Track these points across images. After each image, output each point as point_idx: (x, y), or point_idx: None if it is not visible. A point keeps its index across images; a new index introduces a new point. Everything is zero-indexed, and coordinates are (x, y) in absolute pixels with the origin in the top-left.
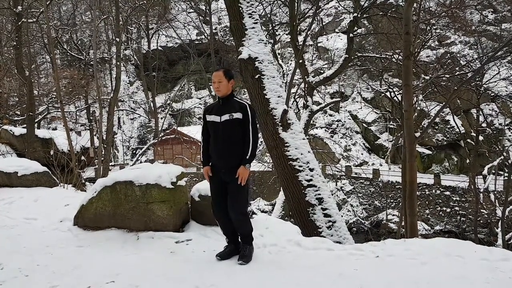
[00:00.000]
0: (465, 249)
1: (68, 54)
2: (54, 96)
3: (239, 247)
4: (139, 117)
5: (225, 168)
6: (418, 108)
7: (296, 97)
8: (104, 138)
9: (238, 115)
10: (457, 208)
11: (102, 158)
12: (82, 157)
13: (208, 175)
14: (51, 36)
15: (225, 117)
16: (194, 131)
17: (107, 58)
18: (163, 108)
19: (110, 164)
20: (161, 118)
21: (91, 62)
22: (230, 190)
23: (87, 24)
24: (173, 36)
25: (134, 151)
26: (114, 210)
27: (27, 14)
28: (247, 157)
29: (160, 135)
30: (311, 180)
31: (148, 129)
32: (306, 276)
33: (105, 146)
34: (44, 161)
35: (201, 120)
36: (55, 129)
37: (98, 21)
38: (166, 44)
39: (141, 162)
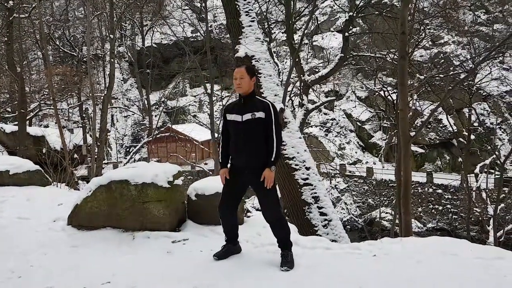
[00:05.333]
0: (460, 247)
1: (61, 50)
2: (46, 93)
3: (238, 247)
4: (132, 114)
5: (248, 169)
6: (413, 107)
7: (292, 95)
8: (98, 136)
9: (260, 115)
10: (449, 206)
11: (96, 156)
12: (75, 155)
13: (224, 177)
14: (44, 32)
15: (247, 116)
16: (189, 129)
17: (100, 55)
18: (157, 106)
19: (104, 162)
20: (155, 116)
21: (84, 59)
22: (259, 196)
23: (80, 20)
24: (168, 33)
25: (128, 149)
26: (109, 209)
27: (18, 9)
28: (272, 159)
29: (155, 133)
30: (307, 178)
31: (142, 127)
32: (304, 275)
33: (99, 144)
34: (37, 159)
35: (195, 118)
36: (46, 126)
37: (92, 17)
38: (161, 41)
39: (134, 160)
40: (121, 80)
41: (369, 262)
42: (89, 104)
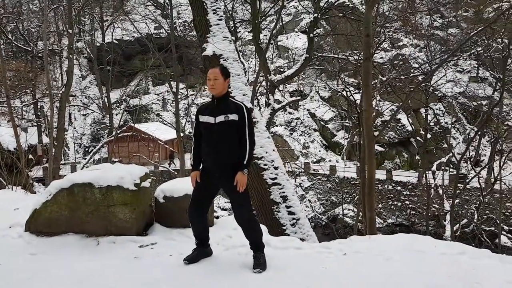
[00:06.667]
0: (425, 244)
1: (14, 45)
2: None
3: (208, 250)
4: (92, 113)
5: (219, 172)
6: (377, 108)
7: (258, 95)
8: (55, 135)
9: (233, 117)
10: (407, 202)
11: (53, 155)
12: (30, 156)
13: (195, 180)
14: None
15: (220, 118)
16: (153, 128)
17: (57, 50)
18: (118, 104)
19: (61, 163)
20: (117, 115)
21: (39, 54)
22: (231, 198)
23: (35, 13)
24: (129, 29)
25: (87, 149)
26: (72, 214)
27: None
28: (245, 162)
29: (116, 132)
30: (275, 178)
31: (102, 125)
32: (277, 276)
33: (56, 144)
34: None
35: (159, 116)
36: None
37: (48, 10)
38: (122, 37)
39: (94, 161)
40: (80, 77)
41: (340, 261)
42: (44, 102)
